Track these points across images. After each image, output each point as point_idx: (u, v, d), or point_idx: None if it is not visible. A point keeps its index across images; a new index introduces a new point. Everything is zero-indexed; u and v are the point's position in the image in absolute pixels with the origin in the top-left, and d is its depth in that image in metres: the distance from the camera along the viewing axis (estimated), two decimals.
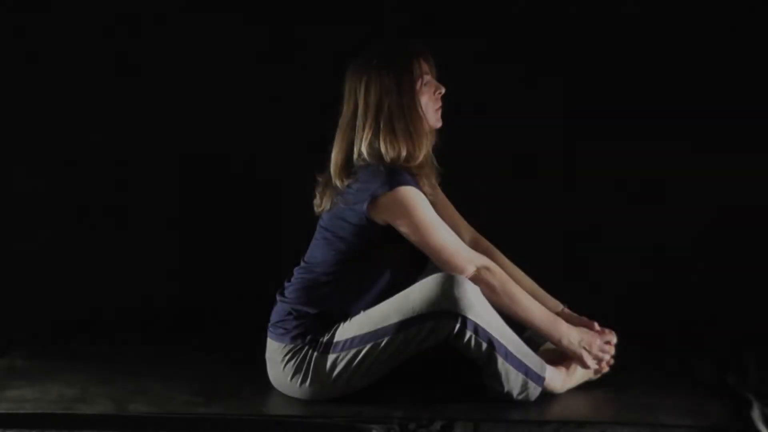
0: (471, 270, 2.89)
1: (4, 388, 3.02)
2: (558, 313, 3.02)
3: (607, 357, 3.00)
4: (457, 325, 2.83)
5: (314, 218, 3.03)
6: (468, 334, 2.84)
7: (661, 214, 3.83)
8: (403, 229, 2.89)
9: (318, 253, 2.98)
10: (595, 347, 2.98)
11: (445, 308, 2.82)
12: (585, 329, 2.99)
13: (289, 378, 2.93)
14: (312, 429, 2.73)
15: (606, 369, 3.03)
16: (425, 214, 2.89)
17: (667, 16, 3.79)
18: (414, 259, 2.96)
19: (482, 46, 3.82)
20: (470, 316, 2.83)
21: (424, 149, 2.96)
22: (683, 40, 3.79)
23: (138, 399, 2.93)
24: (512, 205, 3.82)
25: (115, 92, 3.91)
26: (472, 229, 3.22)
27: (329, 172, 2.96)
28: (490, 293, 2.90)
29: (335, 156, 2.96)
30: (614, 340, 3.01)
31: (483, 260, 2.93)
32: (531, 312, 2.93)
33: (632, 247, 3.83)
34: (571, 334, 2.96)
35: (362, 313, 2.90)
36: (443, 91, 2.99)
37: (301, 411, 2.85)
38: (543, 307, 2.96)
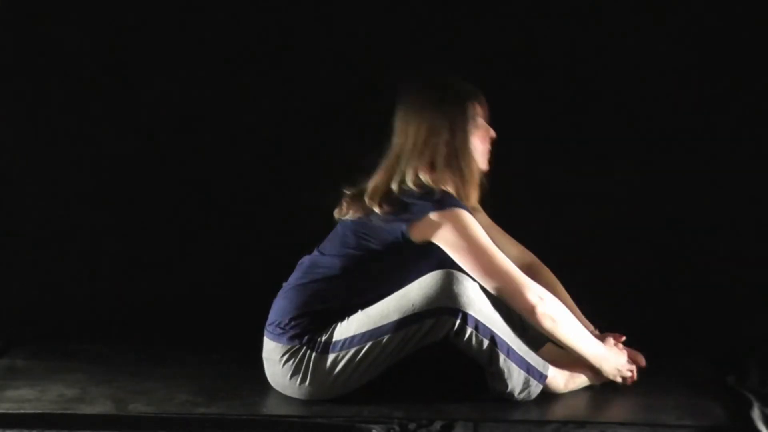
0: (536, 302, 2.86)
1: (4, 388, 3.02)
2: None
3: (628, 375, 3.04)
4: (458, 322, 2.83)
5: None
6: (468, 330, 2.84)
7: (661, 214, 3.83)
8: (454, 252, 2.86)
9: (329, 252, 2.97)
10: (624, 369, 3.02)
11: (444, 305, 2.82)
12: (617, 351, 3.01)
13: (287, 378, 2.92)
14: (312, 429, 2.73)
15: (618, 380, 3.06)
16: (484, 240, 2.87)
17: None
18: (416, 260, 2.96)
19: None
20: (470, 312, 2.83)
21: (476, 191, 2.97)
22: None
23: (138, 399, 2.93)
24: (511, 204, 3.82)
25: (116, 90, 3.91)
26: (517, 244, 3.22)
27: (364, 191, 2.94)
28: (550, 324, 2.88)
29: (377, 183, 2.93)
30: (642, 363, 3.07)
31: (540, 289, 2.91)
32: (581, 343, 2.95)
33: (632, 247, 3.83)
34: (609, 361, 2.99)
35: (360, 311, 2.90)
36: (494, 135, 3.00)
37: (301, 411, 2.85)
38: (592, 338, 2.97)
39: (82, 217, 3.93)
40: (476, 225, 2.88)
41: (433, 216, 2.86)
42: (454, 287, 2.82)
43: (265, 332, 2.99)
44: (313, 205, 3.71)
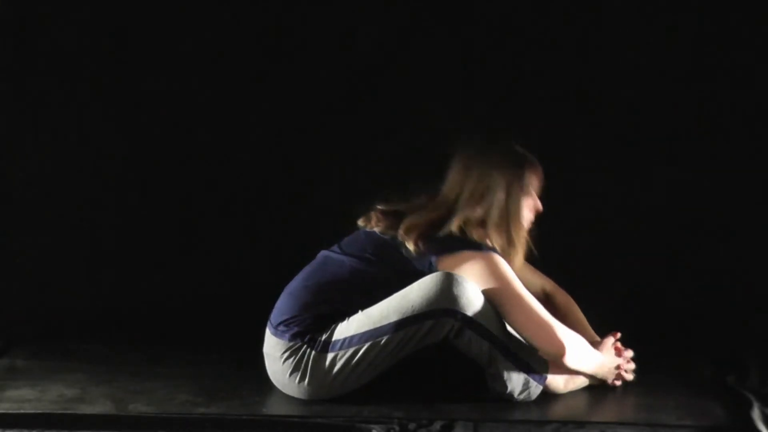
0: (566, 345, 2.88)
1: (4, 388, 3.02)
2: (592, 344, 3.04)
3: (621, 377, 3.05)
4: (457, 323, 2.83)
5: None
6: (468, 332, 2.84)
7: (662, 214, 3.83)
8: (484, 288, 2.87)
9: (347, 251, 2.98)
10: (616, 372, 3.04)
11: (444, 306, 2.82)
12: (612, 355, 3.03)
13: (287, 375, 2.92)
14: (312, 429, 2.73)
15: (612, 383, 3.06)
16: (516, 283, 2.89)
17: None
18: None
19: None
20: (470, 314, 2.83)
21: (520, 256, 2.99)
22: None
23: (138, 399, 2.93)
24: None
25: (116, 90, 3.91)
26: (539, 273, 3.23)
27: (399, 215, 2.95)
28: (574, 362, 2.93)
29: (418, 221, 2.93)
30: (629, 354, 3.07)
31: (566, 330, 2.92)
32: (587, 365, 2.98)
33: (632, 247, 3.83)
34: (604, 367, 3.01)
35: (361, 312, 2.90)
36: (540, 209, 3.03)
37: (301, 411, 2.85)
38: (593, 353, 2.99)
39: (82, 217, 3.93)
40: (509, 268, 2.91)
41: (467, 253, 2.88)
42: (454, 289, 2.82)
43: (268, 328, 2.99)
44: (313, 204, 3.74)
